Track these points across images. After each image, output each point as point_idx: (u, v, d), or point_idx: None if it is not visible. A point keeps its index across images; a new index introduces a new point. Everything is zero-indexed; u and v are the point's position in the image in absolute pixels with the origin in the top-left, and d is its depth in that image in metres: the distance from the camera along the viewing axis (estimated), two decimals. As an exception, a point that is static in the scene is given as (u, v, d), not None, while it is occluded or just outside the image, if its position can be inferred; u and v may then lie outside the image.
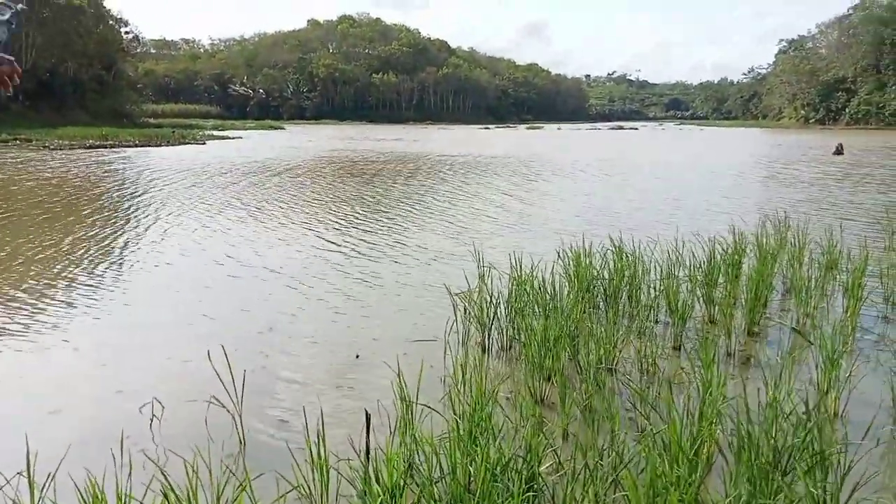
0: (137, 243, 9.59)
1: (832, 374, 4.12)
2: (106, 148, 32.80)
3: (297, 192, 16.17)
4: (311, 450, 3.02)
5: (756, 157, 31.90)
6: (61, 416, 4.05)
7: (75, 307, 6.29)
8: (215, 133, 51.14)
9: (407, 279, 7.44)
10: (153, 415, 3.92)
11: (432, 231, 10.68)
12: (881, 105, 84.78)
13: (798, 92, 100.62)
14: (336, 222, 11.59)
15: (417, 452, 3.06)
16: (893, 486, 3.15)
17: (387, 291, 6.92)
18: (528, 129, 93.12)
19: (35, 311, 6.18)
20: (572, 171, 23.08)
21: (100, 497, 2.64)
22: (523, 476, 2.79)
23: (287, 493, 2.88)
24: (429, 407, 3.57)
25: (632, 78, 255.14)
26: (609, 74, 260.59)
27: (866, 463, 3.20)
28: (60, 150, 30.67)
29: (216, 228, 10.79)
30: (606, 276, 6.01)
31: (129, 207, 13.17)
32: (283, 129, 74.07)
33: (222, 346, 4.09)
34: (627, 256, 6.34)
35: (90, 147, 32.65)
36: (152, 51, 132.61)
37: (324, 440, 2.98)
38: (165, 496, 2.61)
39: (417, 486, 2.87)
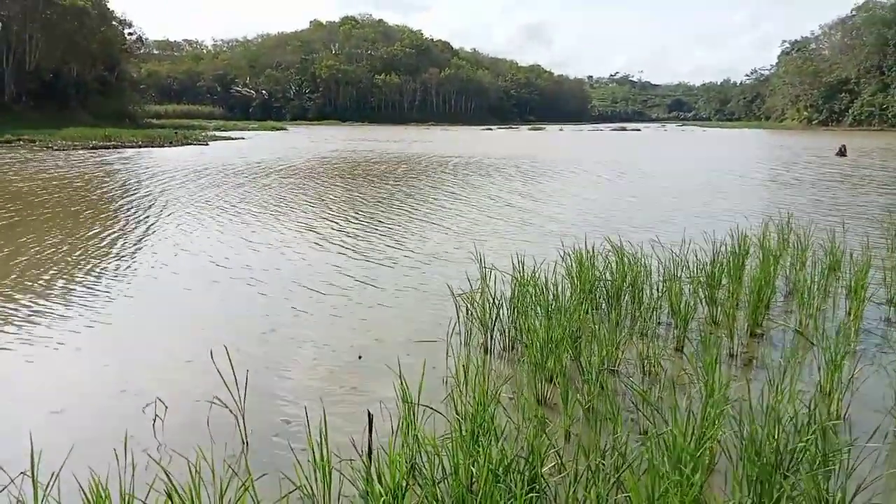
0: (139, 244, 9.60)
1: (835, 376, 4.12)
2: (109, 149, 32.88)
3: (298, 193, 16.18)
4: (313, 450, 3.02)
5: (759, 159, 31.86)
6: (64, 416, 4.07)
7: (77, 308, 6.31)
8: (218, 134, 51.22)
9: (409, 281, 7.45)
10: (156, 415, 3.93)
11: (433, 232, 10.68)
12: (884, 106, 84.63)
13: (801, 93, 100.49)
14: (337, 224, 11.60)
15: (420, 453, 3.07)
16: (896, 489, 3.14)
17: (389, 293, 6.92)
18: (530, 129, 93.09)
19: (37, 311, 6.20)
20: (575, 172, 23.07)
21: (103, 497, 2.65)
22: (525, 477, 2.80)
23: (289, 493, 2.88)
24: (431, 408, 3.57)
25: (634, 79, 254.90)
26: (611, 76, 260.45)
27: (870, 465, 3.20)
28: (64, 150, 30.75)
29: (218, 230, 10.81)
30: (609, 277, 6.00)
31: (130, 209, 13.20)
32: (285, 129, 74.17)
33: (224, 347, 4.11)
34: (630, 257, 6.34)
35: (93, 148, 32.73)
36: (155, 52, 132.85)
37: (326, 440, 2.98)
38: (169, 496, 2.62)
39: (420, 486, 2.88)
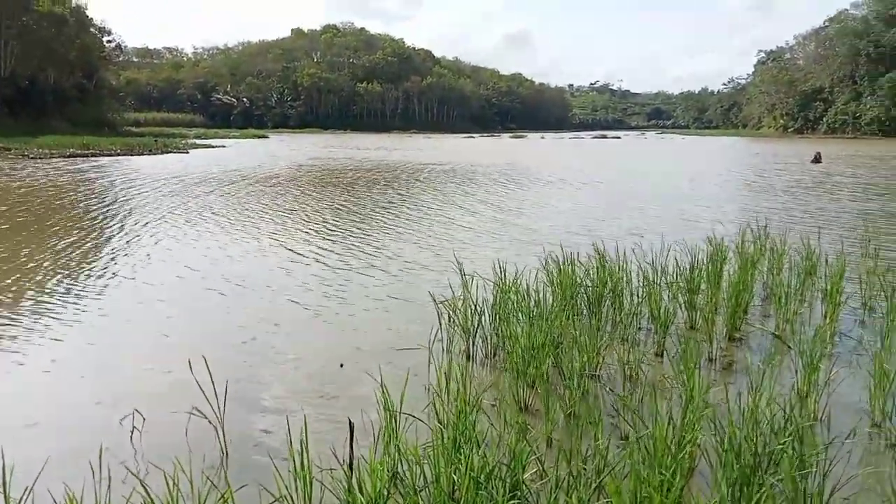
0: (113, 254, 9.47)
1: (812, 379, 4.18)
2: (87, 157, 32.44)
3: (278, 201, 16.09)
4: (294, 460, 2.99)
5: (737, 166, 32.34)
6: (38, 429, 3.98)
7: (50, 319, 6.20)
8: (198, 142, 50.82)
9: (390, 288, 7.43)
10: (133, 426, 3.86)
11: (413, 241, 10.67)
12: (857, 115, 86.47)
13: (777, 102, 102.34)
14: (315, 232, 11.55)
15: (401, 462, 3.05)
16: (872, 486, 3.19)
17: (369, 300, 6.89)
18: (512, 138, 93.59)
19: (8, 322, 6.08)
20: (556, 179, 23.23)
21: (78, 511, 2.60)
22: (507, 484, 2.79)
23: (270, 504, 2.85)
24: (413, 416, 3.56)
25: (614, 88, 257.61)
26: (592, 84, 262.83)
27: (845, 464, 3.25)
28: (40, 159, 30.27)
29: (194, 239, 10.70)
30: (590, 284, 6.04)
31: (105, 218, 13.03)
32: (266, 137, 73.80)
33: (203, 357, 4.06)
34: (610, 264, 6.39)
35: (71, 156, 32.26)
36: (135, 59, 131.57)
37: (307, 450, 2.96)
38: (145, 509, 2.58)
39: (401, 495, 2.86)
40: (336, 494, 2.96)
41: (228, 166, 27.87)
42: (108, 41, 68.28)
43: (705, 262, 6.60)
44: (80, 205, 14.80)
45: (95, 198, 16.18)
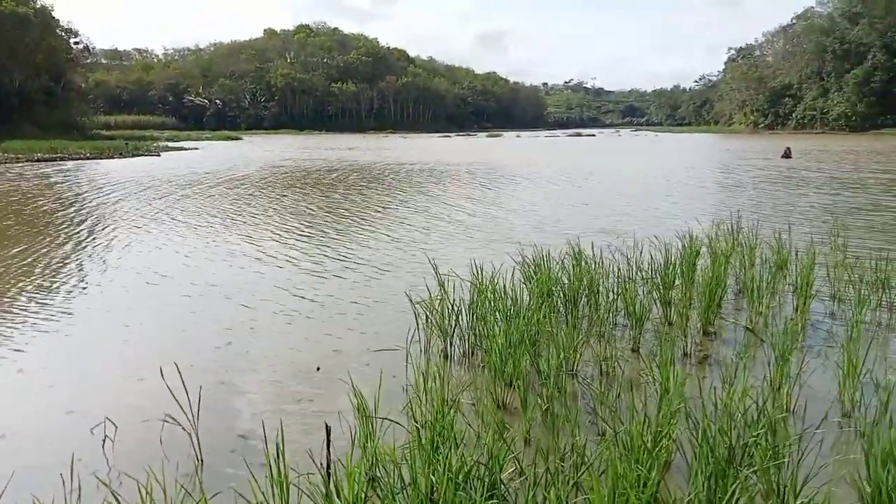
0: (82, 260, 9.28)
1: (784, 371, 4.25)
2: (55, 161, 31.76)
3: (248, 204, 15.92)
4: (270, 466, 2.95)
5: (708, 162, 32.83)
6: (5, 441, 3.88)
7: (17, 326, 6.04)
8: (171, 144, 50.06)
9: (365, 290, 7.39)
10: (105, 435, 3.78)
11: (388, 241, 10.63)
12: (825, 110, 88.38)
13: (747, 98, 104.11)
14: (288, 234, 11.45)
15: (378, 464, 3.03)
16: (843, 475, 3.25)
17: (344, 303, 6.85)
18: (487, 136, 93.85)
19: (-22, 331, 5.91)
20: (530, 178, 23.34)
21: (46, 524, 2.53)
22: (485, 483, 2.79)
23: (246, 511, 2.81)
24: (389, 419, 3.54)
25: (588, 86, 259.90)
26: (566, 83, 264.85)
27: (816, 454, 3.31)
28: (6, 163, 29.55)
29: (166, 244, 10.53)
30: (566, 281, 6.07)
31: (72, 223, 12.76)
32: (240, 139, 72.99)
33: (175, 364, 3.99)
34: (586, 261, 6.43)
35: (38, 160, 31.55)
36: (103, 61, 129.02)
37: (283, 455, 2.92)
38: (117, 520, 2.53)
39: (379, 498, 2.85)
40: (314, 499, 2.94)
41: (203, 169, 27.50)
42: (76, 43, 66.76)
43: (679, 257, 6.68)
44: (47, 211, 14.47)
45: (62, 203, 15.84)
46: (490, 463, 2.86)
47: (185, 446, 3.65)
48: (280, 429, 3.20)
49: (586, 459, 3.05)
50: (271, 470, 2.95)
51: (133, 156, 37.00)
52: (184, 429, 3.70)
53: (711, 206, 14.98)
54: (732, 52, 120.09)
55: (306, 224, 12.52)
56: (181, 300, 7.02)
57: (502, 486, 2.89)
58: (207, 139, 67.03)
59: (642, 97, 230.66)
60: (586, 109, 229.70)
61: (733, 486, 2.72)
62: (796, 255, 7.33)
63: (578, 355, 4.73)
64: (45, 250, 9.85)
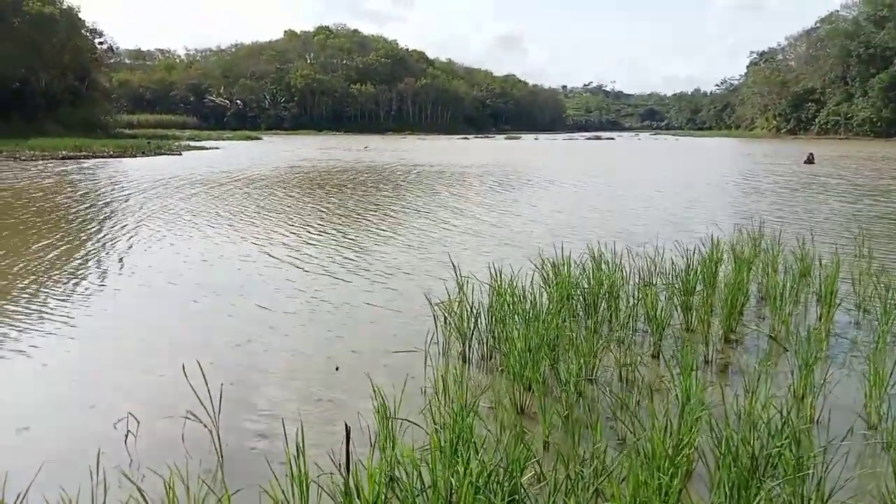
0: (106, 257, 9.42)
1: (808, 380, 4.19)
2: (79, 159, 32.27)
3: (271, 203, 16.05)
4: (290, 464, 2.97)
5: (731, 167, 32.48)
6: (31, 434, 3.95)
7: (42, 322, 6.15)
8: (192, 143, 50.64)
9: (384, 291, 7.41)
10: (128, 430, 3.83)
11: (406, 243, 10.65)
12: (849, 115, 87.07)
13: (769, 103, 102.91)
14: (306, 235, 11.51)
15: (398, 465, 3.04)
16: (869, 489, 3.20)
17: (363, 303, 6.87)
18: (506, 139, 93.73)
19: None
20: (550, 181, 23.26)
21: (72, 517, 2.57)
22: (505, 488, 2.78)
23: (266, 509, 2.83)
24: (409, 421, 3.55)
25: (607, 89, 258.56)
26: (585, 85, 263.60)
27: (842, 467, 3.26)
28: (32, 160, 30.10)
29: (188, 243, 10.65)
30: (585, 286, 6.04)
31: (98, 220, 12.95)
32: (259, 139, 73.61)
33: (197, 361, 4.03)
34: (606, 265, 6.40)
35: (63, 158, 32.09)
36: (127, 61, 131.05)
37: (303, 454, 2.94)
38: (141, 515, 2.56)
39: (399, 499, 2.85)
40: (333, 498, 2.95)
41: (224, 168, 27.78)
42: (100, 43, 67.86)
43: (700, 263, 6.61)
44: (73, 207, 14.71)
45: (88, 201, 16.09)
46: (510, 467, 2.85)
47: (206, 443, 3.69)
48: (300, 427, 3.21)
49: (607, 466, 3.02)
50: (291, 468, 2.97)
51: (155, 154, 37.47)
52: (205, 425, 3.73)
53: (733, 211, 14.81)
54: (755, 55, 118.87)
55: (322, 225, 12.59)
56: (200, 298, 7.09)
57: (522, 491, 2.88)
58: (228, 139, 67.70)
59: (662, 101, 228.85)
60: (605, 112, 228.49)
61: (757, 498, 2.69)
62: (820, 262, 7.22)
63: (598, 361, 4.70)
64: (67, 247, 10.01)
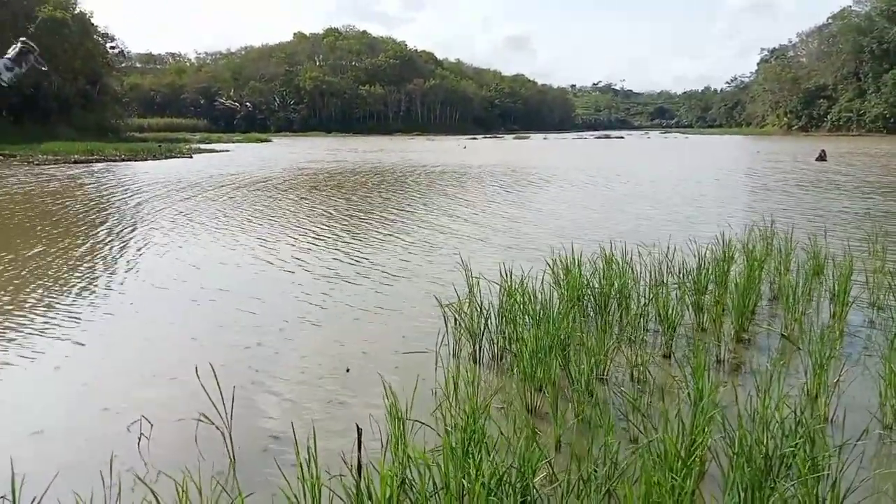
0: (115, 260, 9.49)
1: (821, 380, 4.15)
2: (91, 163, 32.56)
3: (279, 205, 16.11)
4: (302, 466, 2.98)
5: (742, 165, 32.25)
6: (45, 437, 3.98)
7: (53, 325, 6.20)
8: (202, 146, 50.98)
9: (393, 292, 7.41)
10: (141, 433, 3.86)
11: (414, 244, 10.66)
12: (861, 112, 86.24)
13: (780, 100, 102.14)
14: (315, 238, 11.55)
15: (410, 467, 3.04)
16: (885, 490, 3.16)
17: (372, 304, 6.87)
18: (515, 139, 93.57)
19: (10, 328, 6.09)
20: (560, 180, 23.20)
21: (87, 519, 2.59)
22: (517, 489, 2.78)
23: (279, 511, 2.84)
24: (420, 422, 3.55)
25: (617, 88, 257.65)
26: (594, 84, 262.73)
27: (857, 467, 3.22)
28: (45, 164, 30.40)
29: (198, 245, 10.71)
30: (596, 285, 6.02)
31: (108, 224, 13.06)
32: (270, 141, 74.00)
33: (210, 364, 4.05)
34: (617, 264, 6.37)
35: (75, 162, 32.38)
36: (138, 65, 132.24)
37: (315, 456, 2.95)
38: (154, 517, 2.57)
39: (411, 501, 2.85)
40: (345, 501, 2.95)
41: (235, 171, 27.93)
42: (112, 47, 68.60)
43: (712, 262, 6.57)
44: (84, 211, 14.84)
45: (101, 203, 16.22)
46: (522, 468, 2.84)
47: (218, 445, 3.70)
48: (312, 430, 3.22)
49: (619, 467, 3.01)
50: (303, 470, 2.97)
51: (166, 158, 37.74)
52: (217, 428, 3.75)
53: (748, 208, 14.71)
54: (765, 52, 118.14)
55: (330, 227, 12.63)
56: (210, 301, 7.13)
57: (534, 492, 2.87)
58: (238, 141, 68.08)
59: (672, 99, 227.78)
60: (615, 111, 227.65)
61: (771, 499, 2.66)
62: (833, 261, 7.15)
63: (609, 361, 4.68)
64: (77, 250, 10.10)
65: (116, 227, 12.55)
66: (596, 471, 2.90)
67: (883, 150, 43.26)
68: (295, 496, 2.90)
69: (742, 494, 2.78)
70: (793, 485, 2.83)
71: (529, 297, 5.34)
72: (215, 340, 5.80)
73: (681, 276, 6.37)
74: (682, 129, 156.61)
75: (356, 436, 3.25)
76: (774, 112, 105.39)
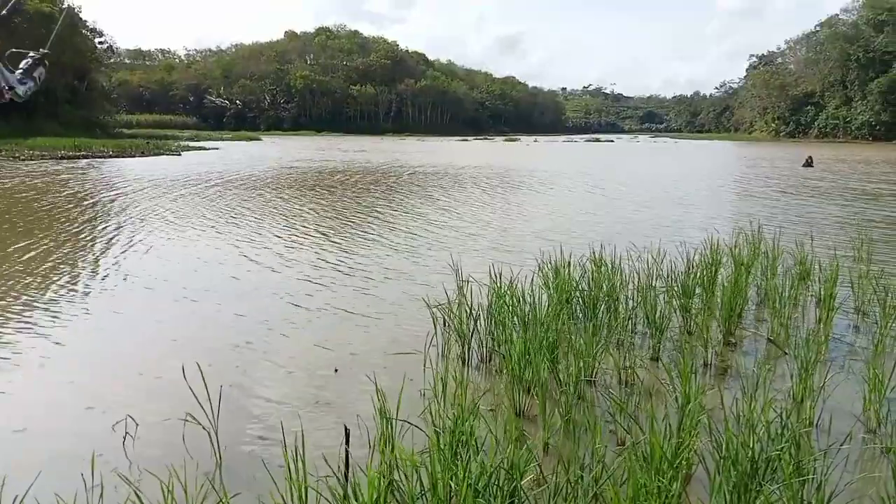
0: (101, 258, 9.40)
1: (807, 384, 4.19)
2: (78, 158, 32.23)
3: (268, 205, 16.03)
4: (289, 467, 2.96)
5: (730, 170, 32.51)
6: (27, 435, 3.93)
7: (38, 322, 6.13)
8: (191, 144, 50.61)
9: (382, 293, 7.40)
10: (126, 432, 3.82)
11: (404, 245, 10.64)
12: (848, 119, 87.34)
13: (769, 106, 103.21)
14: (304, 238, 11.50)
15: (398, 469, 3.03)
16: (868, 493, 3.19)
17: (361, 306, 6.85)
18: (505, 141, 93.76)
19: None
20: (547, 183, 23.27)
21: (70, 520, 2.56)
22: (505, 491, 2.77)
23: (265, 511, 2.82)
24: (408, 423, 3.54)
25: (607, 91, 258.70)
26: (585, 87, 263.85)
27: (842, 470, 3.25)
28: (31, 160, 30.05)
29: (186, 244, 10.64)
30: (585, 288, 6.04)
31: (94, 221, 12.93)
32: (259, 140, 73.62)
33: (197, 363, 4.02)
34: (606, 267, 6.39)
35: (62, 157, 32.04)
36: (127, 61, 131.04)
37: (302, 457, 2.93)
38: (139, 518, 2.54)
39: (398, 502, 2.84)
40: (332, 502, 2.94)
41: (223, 169, 27.77)
42: (100, 42, 67.83)
43: (700, 266, 6.61)
44: (70, 208, 14.68)
45: (85, 200, 16.06)
46: (510, 470, 2.84)
47: (205, 445, 3.67)
48: (300, 430, 3.20)
49: (607, 469, 3.02)
50: (290, 471, 2.96)
51: (154, 154, 37.44)
52: (203, 428, 3.72)
53: (735, 213, 14.82)
54: (754, 59, 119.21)
55: (318, 227, 12.58)
56: (198, 300, 7.07)
57: (522, 494, 2.87)
58: (227, 139, 67.74)
59: (661, 103, 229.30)
60: (605, 115, 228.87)
61: (756, 501, 2.68)
62: (819, 266, 7.22)
63: (598, 363, 4.69)
64: (67, 248, 9.99)
65: (102, 224, 12.43)
66: (583, 473, 2.90)
67: (868, 157, 43.79)
68: (282, 497, 2.88)
69: (728, 497, 2.79)
70: (778, 488, 2.85)
71: (518, 298, 5.34)
72: (203, 339, 5.76)
73: (669, 279, 6.41)
74: (672, 133, 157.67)
75: (344, 437, 3.24)
76: (763, 118, 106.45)
